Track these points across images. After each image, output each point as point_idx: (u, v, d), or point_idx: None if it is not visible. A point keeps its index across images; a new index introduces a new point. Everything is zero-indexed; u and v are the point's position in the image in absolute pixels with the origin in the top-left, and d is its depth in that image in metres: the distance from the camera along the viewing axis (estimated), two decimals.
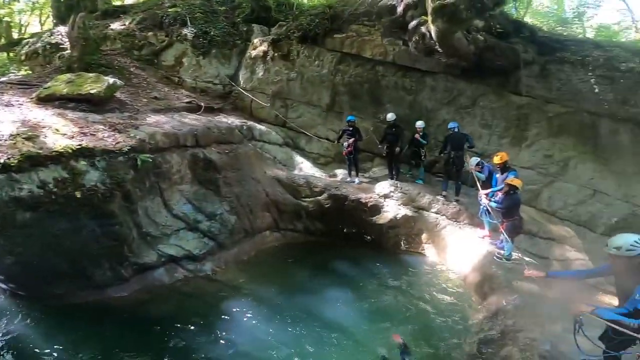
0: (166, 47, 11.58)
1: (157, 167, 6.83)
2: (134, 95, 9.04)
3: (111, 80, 7.89)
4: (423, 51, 9.02)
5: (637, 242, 3.37)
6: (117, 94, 8.21)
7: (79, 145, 5.86)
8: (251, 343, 5.38)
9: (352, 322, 5.93)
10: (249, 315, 5.99)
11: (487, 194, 7.19)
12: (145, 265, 6.53)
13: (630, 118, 8.09)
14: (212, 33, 11.49)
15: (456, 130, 8.70)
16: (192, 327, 5.60)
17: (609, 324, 3.16)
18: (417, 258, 8.36)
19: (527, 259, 7.14)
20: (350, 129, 9.30)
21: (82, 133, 6.22)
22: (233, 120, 9.91)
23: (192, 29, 11.47)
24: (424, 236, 8.56)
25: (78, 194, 5.58)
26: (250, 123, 10.35)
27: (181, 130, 7.57)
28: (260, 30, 11.92)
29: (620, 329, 3.10)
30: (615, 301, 4.09)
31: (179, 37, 11.49)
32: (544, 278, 3.96)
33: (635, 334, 2.97)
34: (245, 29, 11.95)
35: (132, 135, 6.66)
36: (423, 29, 8.67)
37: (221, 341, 5.40)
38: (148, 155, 6.57)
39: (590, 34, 14.66)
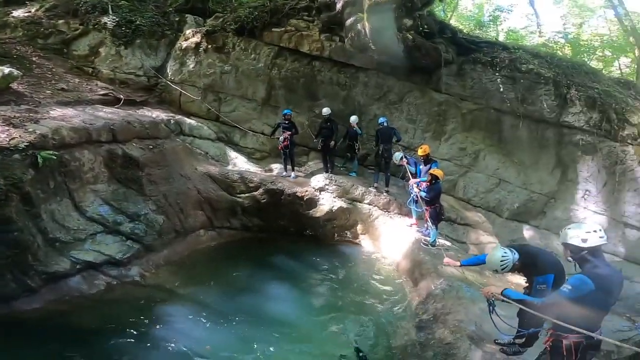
0: (80, 36, 10.11)
1: (64, 166, 5.75)
2: (36, 86, 7.60)
3: (6, 70, 6.67)
4: (358, 48, 8.89)
5: (503, 259, 3.56)
6: (14, 85, 6.91)
7: None
8: (192, 349, 4.78)
9: (295, 318, 5.61)
10: (186, 319, 5.35)
11: (417, 184, 7.27)
12: (56, 274, 5.52)
13: (528, 115, 8.71)
14: (137, 22, 10.26)
15: (385, 124, 8.71)
16: (122, 337, 4.86)
17: (515, 304, 3.21)
18: (353, 248, 8.24)
19: (448, 243, 7.41)
20: (287, 122, 8.85)
21: None
22: (159, 114, 8.85)
23: (114, 17, 10.17)
24: (359, 227, 8.45)
25: None
26: (178, 117, 9.36)
27: (94, 125, 6.47)
28: (194, 21, 10.91)
29: (526, 308, 3.17)
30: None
31: (96, 26, 10.12)
32: (460, 267, 3.98)
33: (539, 313, 3.00)
34: (177, 19, 10.86)
35: (30, 130, 5.48)
36: (359, 26, 8.51)
37: (157, 349, 4.74)
38: (51, 152, 5.46)
39: (501, 37, 15.74)
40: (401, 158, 7.96)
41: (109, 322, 5.14)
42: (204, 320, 5.35)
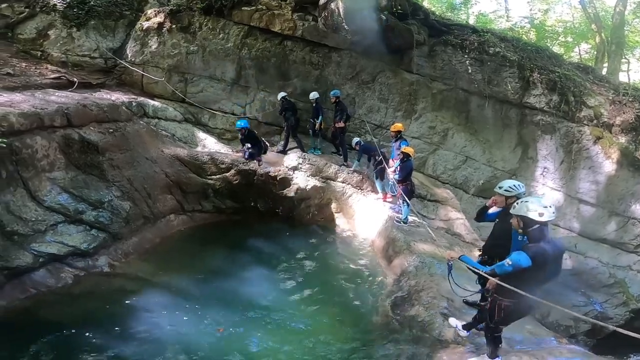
0: (26, 19, 9.34)
1: (15, 154, 5.19)
2: None
3: None
4: (331, 27, 8.59)
5: (512, 188, 3.71)
6: None
7: None
8: (171, 338, 4.59)
9: (273, 302, 5.48)
10: (161, 308, 5.11)
11: (393, 171, 7.22)
12: (18, 269, 5.08)
13: (493, 95, 8.84)
14: (91, 3, 9.54)
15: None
16: (96, 331, 4.59)
17: (470, 269, 3.48)
18: (328, 227, 8.14)
19: (419, 220, 7.47)
20: (243, 135, 8.25)
21: None
22: (119, 97, 8.26)
23: None
24: (333, 206, 8.34)
25: None
26: (141, 99, 8.78)
27: (45, 109, 5.83)
28: (156, 0, 10.17)
29: (478, 272, 3.42)
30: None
31: (44, 8, 9.39)
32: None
33: (489, 277, 3.25)
34: None
35: None
36: (332, 5, 8.20)
37: (131, 341, 4.49)
38: (0, 140, 4.91)
39: (471, 21, 15.72)
40: (356, 143, 8.16)
41: (81, 316, 4.84)
42: (182, 308, 5.14)
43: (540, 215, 3.00)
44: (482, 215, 4.03)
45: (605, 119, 8.20)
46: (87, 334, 4.53)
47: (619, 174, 7.94)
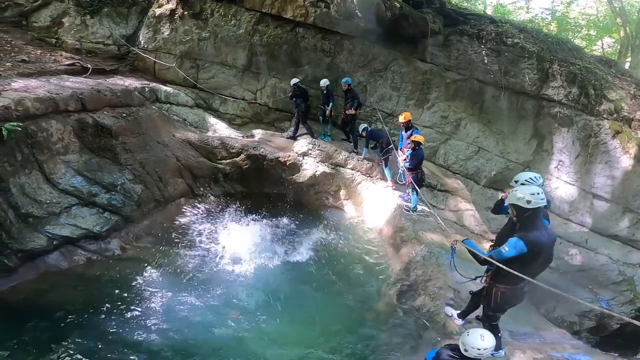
0: (39, 8, 9.30)
1: (31, 137, 5.28)
2: None
3: None
4: (344, 14, 8.44)
5: (529, 181, 3.64)
6: None
7: None
8: (179, 322, 4.70)
9: (281, 288, 5.53)
10: (172, 292, 5.20)
11: (404, 159, 7.13)
12: (33, 251, 5.18)
13: (510, 86, 8.60)
14: None
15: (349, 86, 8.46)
16: (107, 315, 4.69)
17: (470, 251, 3.52)
18: (337, 214, 8.14)
19: (428, 209, 7.37)
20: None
21: None
22: (131, 82, 8.26)
23: None
24: (342, 192, 8.32)
25: None
26: (153, 84, 8.79)
27: (60, 95, 5.91)
28: None
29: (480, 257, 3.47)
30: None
31: None
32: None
33: (489, 261, 3.34)
34: None
35: None
36: None
37: (143, 327, 4.59)
38: (16, 123, 4.99)
39: (489, 11, 15.28)
40: (363, 129, 8.08)
41: (93, 299, 4.93)
42: (191, 293, 5.22)
43: (528, 202, 3.09)
44: (498, 207, 4.03)
45: (626, 113, 7.94)
46: (99, 319, 4.62)
47: (636, 170, 7.70)
